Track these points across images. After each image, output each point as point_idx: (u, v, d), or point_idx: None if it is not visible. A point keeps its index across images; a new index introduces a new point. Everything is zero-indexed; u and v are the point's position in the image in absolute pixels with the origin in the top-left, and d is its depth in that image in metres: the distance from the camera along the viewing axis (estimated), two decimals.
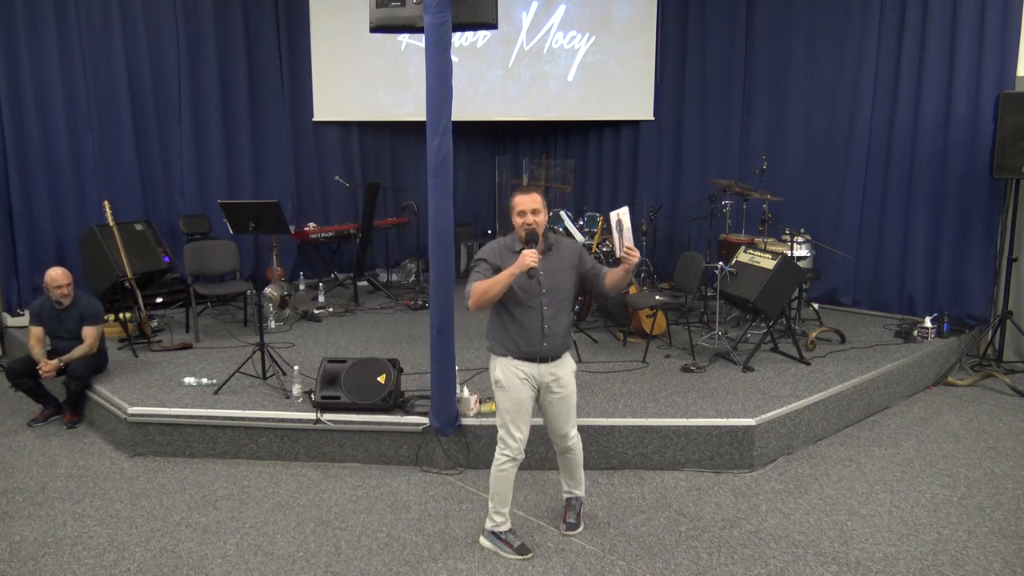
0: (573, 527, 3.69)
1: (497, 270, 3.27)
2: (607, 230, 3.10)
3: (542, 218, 3.29)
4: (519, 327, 3.33)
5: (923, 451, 4.62)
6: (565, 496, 3.77)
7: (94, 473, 4.32)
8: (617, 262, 3.33)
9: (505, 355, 3.37)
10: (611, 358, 5.62)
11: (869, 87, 6.83)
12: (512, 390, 3.36)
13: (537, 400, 3.46)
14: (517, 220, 3.29)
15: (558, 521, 3.76)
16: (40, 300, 5.13)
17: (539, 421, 4.30)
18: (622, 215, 3.28)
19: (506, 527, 3.52)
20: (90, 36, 6.84)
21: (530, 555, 3.47)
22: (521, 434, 3.41)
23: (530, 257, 3.15)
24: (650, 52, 8.12)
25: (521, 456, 3.44)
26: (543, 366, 3.39)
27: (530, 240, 3.24)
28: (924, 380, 5.76)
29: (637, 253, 3.21)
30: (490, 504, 3.51)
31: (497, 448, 3.45)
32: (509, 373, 3.37)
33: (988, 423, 5.07)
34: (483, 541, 3.56)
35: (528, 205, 3.25)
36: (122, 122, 7.05)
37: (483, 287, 3.20)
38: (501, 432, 3.43)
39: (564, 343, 3.44)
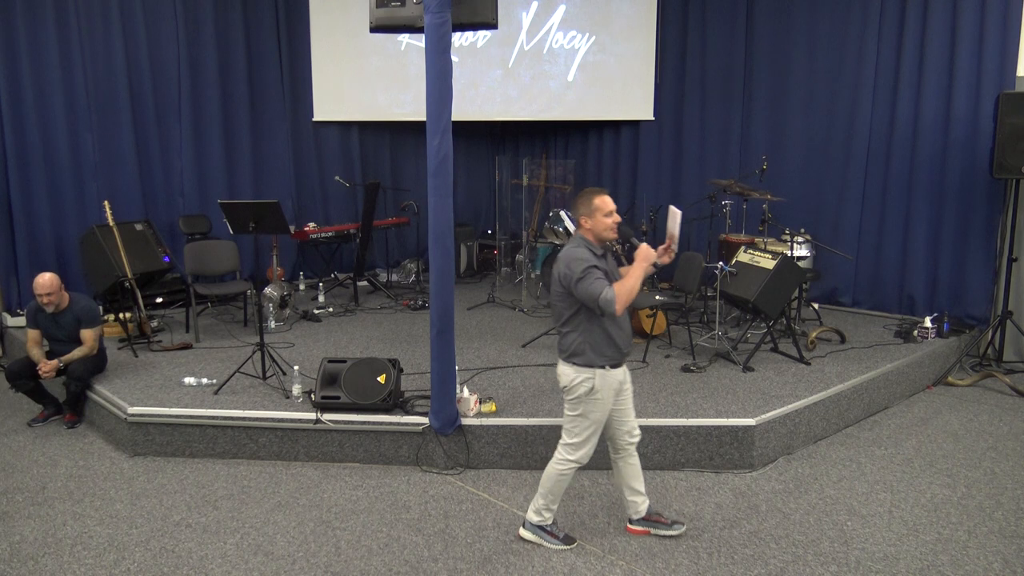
0: (679, 523, 3.68)
1: (605, 273, 3.27)
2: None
3: None
4: (621, 331, 3.36)
5: (923, 451, 4.62)
6: (644, 510, 3.63)
7: (94, 473, 4.32)
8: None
9: (604, 366, 3.32)
10: None
11: (869, 87, 6.83)
12: (606, 402, 3.36)
13: None
14: (605, 221, 3.29)
15: (560, 521, 3.75)
16: (35, 303, 5.10)
17: (538, 422, 4.32)
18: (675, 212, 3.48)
19: (551, 520, 3.58)
20: (90, 36, 6.83)
21: (575, 544, 3.55)
22: (595, 445, 3.44)
23: (652, 250, 3.26)
24: (650, 52, 8.12)
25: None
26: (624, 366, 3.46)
27: (624, 237, 3.33)
28: (924, 380, 5.76)
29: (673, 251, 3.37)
30: (541, 501, 3.52)
31: (562, 452, 3.44)
32: (606, 384, 3.33)
33: (988, 423, 5.07)
34: (526, 533, 3.59)
35: (613, 205, 3.32)
36: (122, 122, 7.04)
37: (628, 287, 3.18)
38: (575, 440, 3.40)
39: None
